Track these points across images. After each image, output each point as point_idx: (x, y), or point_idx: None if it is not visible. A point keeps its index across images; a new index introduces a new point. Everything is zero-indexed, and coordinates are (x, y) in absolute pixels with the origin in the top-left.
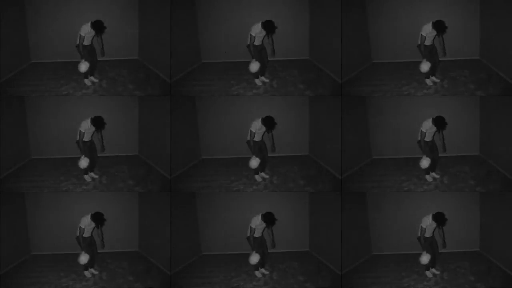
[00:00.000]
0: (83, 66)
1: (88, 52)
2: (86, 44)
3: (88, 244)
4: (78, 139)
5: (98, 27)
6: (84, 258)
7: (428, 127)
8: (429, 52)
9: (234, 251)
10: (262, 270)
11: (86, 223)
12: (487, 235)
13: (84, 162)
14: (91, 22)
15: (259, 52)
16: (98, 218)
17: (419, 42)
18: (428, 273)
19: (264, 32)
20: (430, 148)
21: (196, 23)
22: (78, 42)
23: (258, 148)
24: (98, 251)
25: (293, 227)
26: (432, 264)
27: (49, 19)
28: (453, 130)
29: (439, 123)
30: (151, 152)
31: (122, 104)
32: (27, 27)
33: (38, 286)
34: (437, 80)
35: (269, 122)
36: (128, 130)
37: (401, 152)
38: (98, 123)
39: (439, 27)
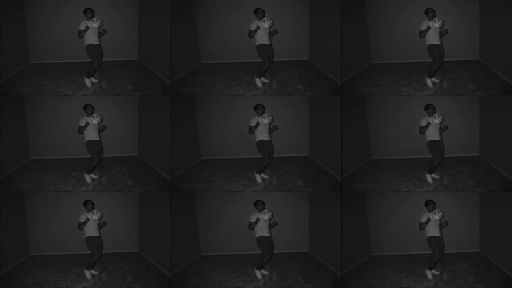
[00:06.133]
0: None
1: (97, 53)
2: (95, 43)
3: (97, 245)
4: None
5: (91, 11)
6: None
7: (430, 121)
8: (438, 53)
9: (234, 252)
10: (262, 271)
11: (84, 217)
12: (486, 236)
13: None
14: (88, 12)
15: (267, 52)
16: (87, 203)
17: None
18: (428, 273)
19: (267, 23)
20: (438, 148)
21: (196, 24)
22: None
23: (267, 150)
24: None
25: (292, 227)
26: (434, 264)
27: (48, 20)
28: (453, 131)
29: (429, 108)
30: (151, 152)
31: (122, 105)
32: (27, 28)
33: (37, 287)
34: (437, 81)
35: (260, 106)
36: (128, 130)
37: (401, 152)
38: (89, 107)
39: (432, 12)
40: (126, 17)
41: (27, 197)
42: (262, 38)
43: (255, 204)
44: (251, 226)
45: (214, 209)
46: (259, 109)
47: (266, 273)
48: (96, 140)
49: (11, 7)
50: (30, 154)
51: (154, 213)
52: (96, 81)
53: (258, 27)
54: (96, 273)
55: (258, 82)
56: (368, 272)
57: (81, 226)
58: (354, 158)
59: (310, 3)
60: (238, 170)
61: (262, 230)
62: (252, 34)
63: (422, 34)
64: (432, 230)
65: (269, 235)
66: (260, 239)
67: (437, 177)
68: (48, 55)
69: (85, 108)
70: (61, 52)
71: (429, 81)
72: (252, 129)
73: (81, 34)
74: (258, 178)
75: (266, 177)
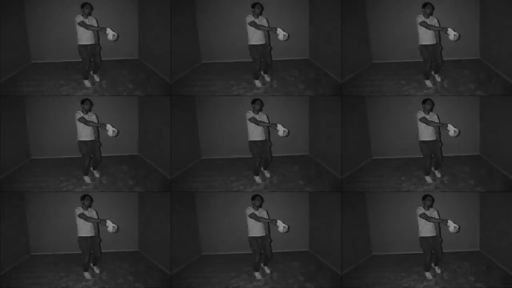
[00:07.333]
0: (111, 35)
1: (92, 53)
2: (90, 43)
3: (90, 245)
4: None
5: (89, 6)
6: (111, 227)
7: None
8: (433, 54)
9: (234, 251)
10: (265, 268)
11: (80, 212)
12: (487, 235)
13: (111, 130)
14: (85, 7)
15: (263, 52)
16: (85, 198)
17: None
18: (428, 274)
19: (264, 20)
20: (430, 149)
21: (196, 24)
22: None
23: (258, 151)
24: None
25: (293, 227)
26: (429, 265)
27: (49, 20)
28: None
29: (427, 103)
30: (151, 152)
31: (122, 104)
32: (27, 27)
33: (37, 287)
34: (438, 80)
35: (258, 101)
36: (128, 130)
37: (401, 152)
38: (87, 103)
39: (430, 7)
40: (126, 16)
41: (27, 197)
42: (254, 38)
43: (253, 198)
44: (257, 219)
45: (214, 209)
46: (257, 105)
47: (268, 271)
48: (88, 141)
49: (11, 7)
50: (30, 154)
51: (154, 212)
52: (97, 80)
53: (253, 22)
54: (98, 271)
55: (258, 83)
56: (368, 271)
57: (86, 218)
58: (354, 157)
59: (310, 3)
60: (238, 170)
61: (254, 231)
62: (253, 25)
63: (429, 27)
64: (424, 231)
65: (264, 235)
66: (251, 240)
67: (438, 176)
68: (48, 55)
69: (83, 102)
70: (61, 52)
71: (427, 82)
72: (255, 121)
73: (81, 25)
74: (257, 179)
75: (267, 175)
